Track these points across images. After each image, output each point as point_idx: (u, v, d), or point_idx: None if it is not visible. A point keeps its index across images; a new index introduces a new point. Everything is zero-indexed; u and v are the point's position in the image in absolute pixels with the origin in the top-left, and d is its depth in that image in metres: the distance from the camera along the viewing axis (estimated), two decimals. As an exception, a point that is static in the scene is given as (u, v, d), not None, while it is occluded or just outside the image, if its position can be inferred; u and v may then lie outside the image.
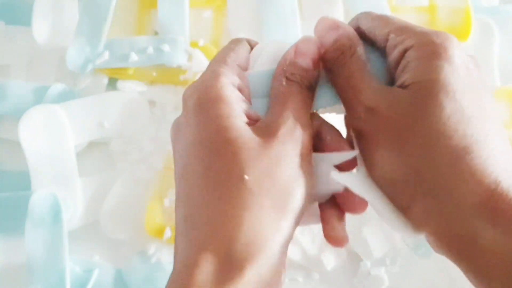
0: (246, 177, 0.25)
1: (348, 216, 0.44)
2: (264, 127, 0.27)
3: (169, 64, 0.50)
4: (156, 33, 0.54)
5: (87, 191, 0.48)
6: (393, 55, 0.28)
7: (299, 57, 0.29)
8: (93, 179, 0.48)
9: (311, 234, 0.46)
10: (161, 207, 0.46)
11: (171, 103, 0.51)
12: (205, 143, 0.26)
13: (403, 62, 0.27)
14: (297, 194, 0.26)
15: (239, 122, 0.26)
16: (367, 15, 0.30)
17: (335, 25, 0.29)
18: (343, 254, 0.46)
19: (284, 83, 0.28)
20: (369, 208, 0.46)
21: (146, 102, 0.50)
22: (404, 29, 0.28)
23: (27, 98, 0.50)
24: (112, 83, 0.51)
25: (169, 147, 0.47)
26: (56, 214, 0.45)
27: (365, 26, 0.30)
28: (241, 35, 0.52)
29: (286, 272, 0.45)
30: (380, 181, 0.27)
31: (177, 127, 0.29)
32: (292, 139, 0.26)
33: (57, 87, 0.51)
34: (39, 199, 0.45)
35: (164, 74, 0.51)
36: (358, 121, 0.27)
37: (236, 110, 0.27)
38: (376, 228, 0.45)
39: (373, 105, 0.26)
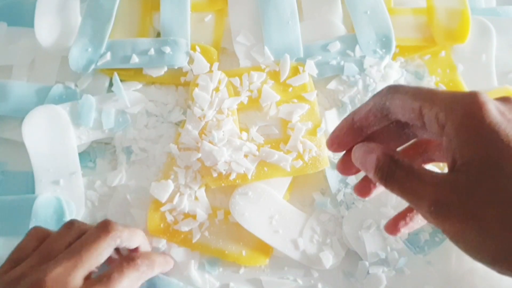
0: None
1: (348, 216, 0.44)
2: None
3: (170, 66, 0.51)
4: (159, 35, 0.55)
5: (90, 190, 0.48)
6: (433, 130, 0.28)
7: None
8: (95, 178, 0.49)
9: (310, 233, 0.46)
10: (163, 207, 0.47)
11: (171, 104, 0.51)
12: None
13: (445, 140, 0.27)
14: None
15: None
16: (394, 91, 0.30)
17: (370, 149, 0.30)
18: (342, 253, 0.46)
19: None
20: (369, 209, 0.46)
21: (147, 103, 0.51)
22: (434, 100, 0.27)
23: (30, 98, 0.51)
24: (113, 84, 0.51)
25: (169, 148, 0.48)
26: (59, 218, 0.45)
27: (393, 104, 0.30)
28: (242, 35, 0.53)
29: (287, 271, 0.46)
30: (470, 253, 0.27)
31: None
32: None
33: (59, 88, 0.51)
34: (43, 203, 0.46)
35: (166, 75, 0.52)
36: (431, 215, 0.27)
37: None
38: (375, 228, 0.46)
39: (437, 199, 0.26)
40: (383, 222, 0.46)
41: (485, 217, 0.25)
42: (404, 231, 0.35)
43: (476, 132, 0.26)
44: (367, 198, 0.34)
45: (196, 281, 0.45)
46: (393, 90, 0.30)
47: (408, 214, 0.35)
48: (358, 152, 0.31)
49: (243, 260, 0.46)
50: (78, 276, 0.35)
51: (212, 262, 0.46)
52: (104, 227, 0.38)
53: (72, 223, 0.39)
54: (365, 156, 0.30)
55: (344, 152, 0.34)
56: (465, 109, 0.26)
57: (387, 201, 0.47)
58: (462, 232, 0.26)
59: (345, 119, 0.33)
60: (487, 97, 0.27)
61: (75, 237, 0.38)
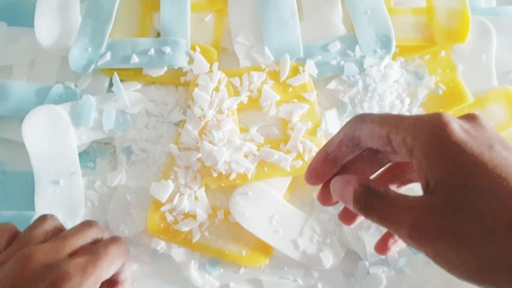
0: None
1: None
2: None
3: (170, 66, 0.51)
4: (159, 35, 0.55)
5: (90, 190, 0.48)
6: (402, 154, 0.28)
7: None
8: (95, 178, 0.49)
9: (310, 233, 0.46)
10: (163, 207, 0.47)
11: (171, 104, 0.51)
12: None
13: (415, 163, 0.27)
14: None
15: None
16: (361, 121, 0.31)
17: (346, 181, 0.31)
18: (342, 253, 0.46)
19: None
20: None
21: (147, 103, 0.51)
22: (400, 125, 0.28)
23: (29, 98, 0.51)
24: (113, 84, 0.51)
25: (169, 148, 0.48)
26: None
27: (362, 133, 0.31)
28: (242, 35, 0.53)
29: (287, 271, 0.46)
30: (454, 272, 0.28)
31: None
32: None
33: (59, 88, 0.51)
34: None
35: (166, 75, 0.52)
36: (410, 240, 0.27)
37: None
38: (375, 228, 0.46)
39: (414, 223, 0.27)
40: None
41: (462, 235, 0.25)
42: (394, 249, 0.35)
43: (443, 152, 0.26)
44: (352, 226, 0.36)
45: (196, 281, 0.45)
46: (360, 119, 0.31)
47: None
48: (335, 185, 0.32)
49: (243, 260, 0.46)
50: (66, 250, 0.35)
51: (213, 262, 0.46)
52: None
53: (44, 218, 0.39)
54: (343, 188, 0.31)
55: (322, 184, 0.35)
56: (430, 131, 0.27)
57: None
58: (443, 252, 0.26)
59: (319, 152, 0.34)
60: (450, 117, 0.27)
61: (52, 229, 0.38)
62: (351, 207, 0.30)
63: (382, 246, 0.35)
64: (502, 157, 0.26)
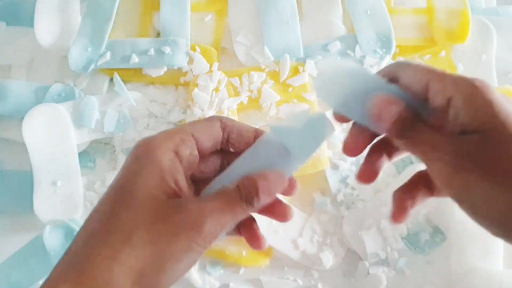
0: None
1: (348, 216, 0.44)
2: (182, 207, 0.28)
3: (170, 66, 0.51)
4: (159, 35, 0.55)
5: (90, 191, 0.48)
6: (437, 102, 0.28)
7: (261, 183, 0.30)
8: (95, 178, 0.49)
9: (310, 233, 0.46)
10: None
11: (171, 104, 0.51)
12: (112, 190, 0.29)
13: (452, 111, 0.28)
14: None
15: (158, 193, 0.28)
16: (406, 64, 0.31)
17: (392, 100, 0.30)
18: (342, 253, 0.46)
19: (232, 187, 0.30)
20: (369, 209, 0.46)
21: (147, 104, 0.51)
22: (443, 77, 0.29)
23: (28, 98, 0.51)
24: (113, 84, 0.51)
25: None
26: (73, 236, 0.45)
27: (404, 74, 0.30)
28: (242, 35, 0.53)
29: (287, 271, 0.46)
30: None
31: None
32: (184, 230, 0.28)
33: (57, 87, 0.51)
34: (51, 234, 0.45)
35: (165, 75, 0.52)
36: (445, 165, 0.28)
37: (160, 181, 0.29)
38: (375, 228, 0.46)
39: (454, 149, 0.27)
40: (383, 222, 0.46)
41: (499, 171, 0.26)
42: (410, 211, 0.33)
43: (484, 103, 0.27)
44: (371, 184, 0.33)
45: (196, 281, 0.45)
46: (405, 63, 0.31)
47: (412, 193, 0.33)
48: (378, 99, 0.30)
49: (243, 260, 0.46)
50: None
51: (214, 262, 0.46)
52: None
53: None
54: (386, 106, 0.29)
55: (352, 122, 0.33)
56: (472, 85, 0.28)
57: (387, 201, 0.47)
58: (473, 185, 0.26)
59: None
60: (491, 86, 0.28)
61: None
62: (387, 124, 0.29)
63: (400, 213, 0.33)
64: None
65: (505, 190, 0.26)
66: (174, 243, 0.28)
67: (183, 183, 0.30)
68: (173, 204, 0.28)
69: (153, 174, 0.29)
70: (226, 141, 0.33)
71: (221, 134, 0.32)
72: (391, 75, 0.31)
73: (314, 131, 0.31)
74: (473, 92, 0.28)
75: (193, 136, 0.31)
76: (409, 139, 0.29)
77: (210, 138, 0.32)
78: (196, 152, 0.31)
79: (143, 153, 0.29)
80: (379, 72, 0.32)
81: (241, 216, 0.30)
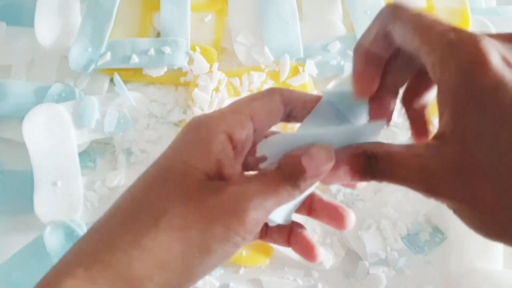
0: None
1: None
2: (221, 189, 0.25)
3: (170, 66, 0.51)
4: (159, 35, 0.55)
5: (90, 191, 0.48)
6: (430, 75, 0.24)
7: (306, 161, 0.26)
8: (95, 178, 0.49)
9: (310, 233, 0.46)
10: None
11: (171, 104, 0.51)
12: (152, 168, 0.27)
13: (438, 96, 0.24)
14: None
15: (198, 173, 0.25)
16: (395, 16, 0.26)
17: (336, 159, 0.26)
18: (342, 253, 0.46)
19: (273, 167, 0.26)
20: (369, 209, 0.46)
21: (147, 104, 0.51)
22: (433, 42, 0.24)
23: (28, 98, 0.51)
24: (113, 84, 0.52)
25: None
26: (74, 236, 0.45)
27: (394, 31, 0.26)
28: (242, 35, 0.53)
29: (287, 271, 0.46)
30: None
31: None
32: (222, 216, 0.24)
33: (57, 87, 0.51)
34: (51, 235, 0.45)
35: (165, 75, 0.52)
36: (428, 195, 0.24)
37: (204, 160, 0.25)
38: (375, 228, 0.46)
39: (426, 181, 0.24)
40: (383, 222, 0.46)
41: (481, 197, 0.22)
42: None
43: (474, 95, 0.22)
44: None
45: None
46: (394, 13, 0.26)
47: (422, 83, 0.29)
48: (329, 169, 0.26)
49: (243, 260, 0.46)
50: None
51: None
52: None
53: None
54: (336, 173, 0.26)
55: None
56: (463, 67, 0.22)
57: (387, 201, 0.47)
58: (457, 209, 0.24)
59: (355, 52, 0.28)
60: (490, 45, 0.23)
61: None
62: (359, 180, 0.26)
63: (420, 130, 0.29)
64: None
65: (491, 216, 0.22)
66: (208, 231, 0.24)
67: (232, 169, 0.26)
68: (212, 186, 0.25)
69: (198, 154, 0.26)
70: (287, 115, 0.29)
71: (282, 110, 0.28)
72: (384, 31, 0.27)
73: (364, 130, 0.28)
74: (462, 80, 0.22)
75: (251, 117, 0.27)
76: (382, 178, 0.25)
77: (270, 117, 0.28)
78: (252, 133, 0.27)
79: (192, 132, 0.27)
80: (373, 26, 0.28)
81: (286, 200, 0.26)
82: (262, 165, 0.27)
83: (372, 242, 0.45)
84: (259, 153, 0.26)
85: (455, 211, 0.24)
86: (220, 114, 0.27)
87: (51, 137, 0.48)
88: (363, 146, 0.26)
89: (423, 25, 0.25)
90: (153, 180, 0.26)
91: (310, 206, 0.30)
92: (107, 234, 0.25)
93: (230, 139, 0.26)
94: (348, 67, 0.51)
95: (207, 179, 0.25)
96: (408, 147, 0.25)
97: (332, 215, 0.30)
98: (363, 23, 0.53)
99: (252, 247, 0.46)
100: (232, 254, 0.25)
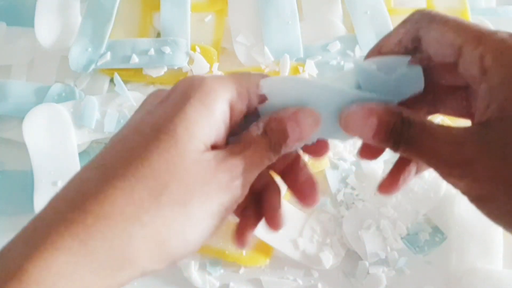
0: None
1: (348, 216, 0.44)
2: (218, 161, 0.24)
3: (170, 66, 0.51)
4: (159, 35, 0.55)
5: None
6: (470, 72, 0.24)
7: (291, 127, 0.25)
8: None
9: (310, 233, 0.46)
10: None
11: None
12: (144, 125, 0.25)
13: (483, 87, 0.23)
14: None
15: (198, 143, 0.24)
16: (429, 19, 0.25)
17: (368, 111, 0.25)
18: (342, 253, 0.46)
19: (259, 132, 0.25)
20: (369, 209, 0.46)
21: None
22: (481, 39, 0.23)
23: (28, 98, 0.51)
24: (113, 84, 0.52)
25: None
26: None
27: (428, 35, 0.25)
28: (242, 35, 0.53)
29: (287, 271, 0.46)
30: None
31: (155, 96, 0.27)
32: (219, 191, 0.24)
33: (57, 87, 0.51)
34: None
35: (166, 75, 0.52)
36: (454, 178, 0.24)
37: (206, 129, 0.24)
38: (375, 228, 0.46)
39: (462, 158, 0.23)
40: (383, 222, 0.46)
41: None
42: (403, 186, 0.29)
43: None
44: (374, 160, 0.29)
45: (196, 281, 0.45)
46: (428, 17, 0.25)
47: (406, 168, 0.28)
48: (353, 118, 0.25)
49: (243, 260, 0.46)
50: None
51: (214, 262, 0.46)
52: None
53: None
54: (364, 122, 0.25)
55: None
56: None
57: (387, 201, 0.47)
58: (491, 195, 0.23)
59: (370, 54, 0.28)
60: None
61: None
62: (377, 142, 0.25)
63: (391, 183, 0.28)
64: None
65: None
66: (206, 205, 0.24)
67: (224, 140, 0.26)
68: (209, 157, 0.24)
69: (201, 122, 0.24)
70: None
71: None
72: (412, 35, 0.26)
73: (402, 82, 0.26)
74: None
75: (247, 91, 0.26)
76: (411, 150, 0.24)
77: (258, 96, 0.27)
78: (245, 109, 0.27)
79: (197, 95, 0.24)
80: (397, 32, 0.27)
81: (265, 166, 0.26)
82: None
83: (372, 242, 0.45)
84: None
85: (480, 200, 0.23)
86: (220, 81, 0.26)
87: (51, 137, 0.48)
88: (401, 108, 0.25)
89: (465, 25, 0.24)
90: (154, 146, 0.24)
91: (292, 166, 0.30)
92: (103, 205, 0.23)
93: (231, 109, 0.26)
94: (348, 67, 0.51)
95: (205, 150, 0.24)
96: (447, 129, 0.24)
97: (305, 189, 0.29)
98: (363, 23, 0.53)
99: (252, 247, 0.46)
100: (216, 227, 0.25)
